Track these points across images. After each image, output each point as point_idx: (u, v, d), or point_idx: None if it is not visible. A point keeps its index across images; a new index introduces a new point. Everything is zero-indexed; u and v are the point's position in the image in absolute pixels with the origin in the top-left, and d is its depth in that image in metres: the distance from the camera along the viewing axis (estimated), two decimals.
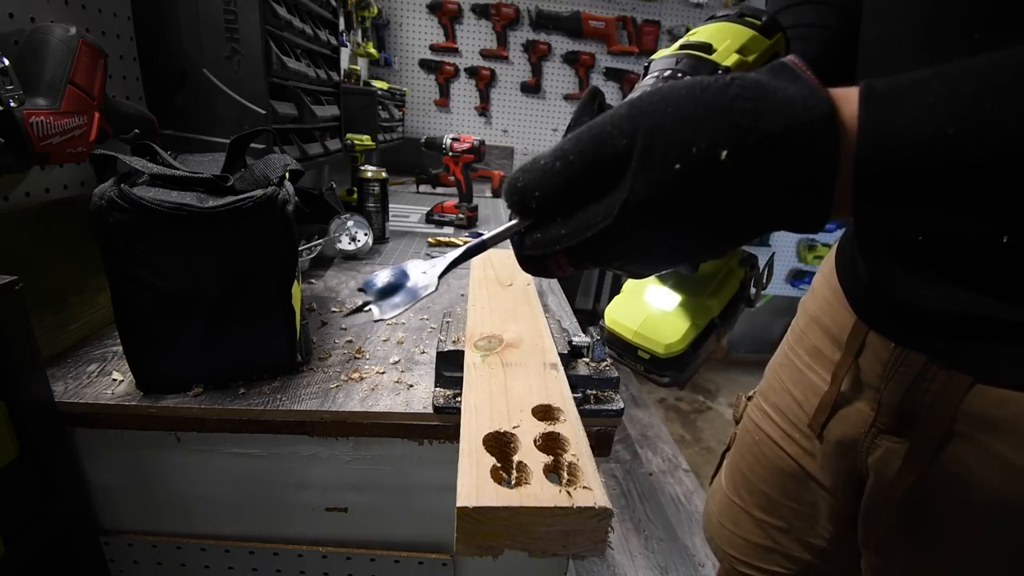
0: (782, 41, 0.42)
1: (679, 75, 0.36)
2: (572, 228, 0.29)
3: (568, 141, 0.28)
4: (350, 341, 0.69)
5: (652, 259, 0.30)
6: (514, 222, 0.31)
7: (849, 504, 0.54)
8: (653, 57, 0.39)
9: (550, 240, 0.30)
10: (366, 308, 0.38)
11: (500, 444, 0.36)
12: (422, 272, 0.38)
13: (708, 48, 0.38)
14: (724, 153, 0.25)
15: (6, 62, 0.48)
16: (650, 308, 0.47)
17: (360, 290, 0.38)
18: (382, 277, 0.39)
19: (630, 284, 0.53)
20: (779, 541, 0.61)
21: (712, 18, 0.42)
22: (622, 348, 0.48)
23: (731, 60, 0.37)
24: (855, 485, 0.52)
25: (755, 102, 0.25)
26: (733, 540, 0.65)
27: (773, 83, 0.26)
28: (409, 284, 0.39)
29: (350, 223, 1.06)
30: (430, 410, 0.55)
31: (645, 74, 0.39)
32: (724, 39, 0.38)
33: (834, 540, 0.58)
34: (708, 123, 0.25)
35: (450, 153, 1.52)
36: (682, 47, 0.39)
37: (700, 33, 0.40)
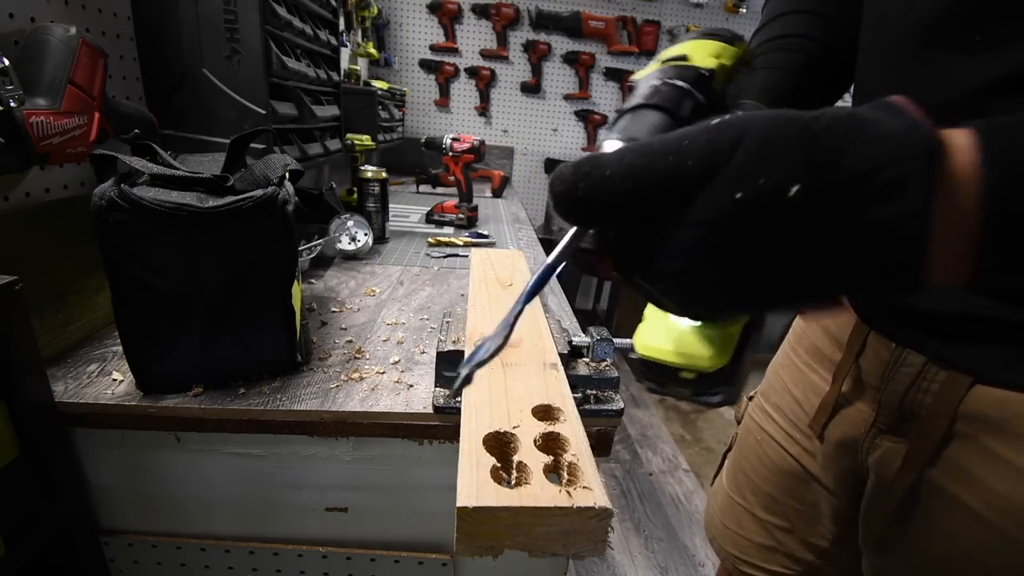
0: (745, 49, 0.41)
1: (670, 81, 0.36)
2: (627, 239, 0.27)
3: (642, 158, 0.25)
4: (350, 341, 0.69)
5: (700, 296, 0.26)
6: (573, 231, 0.29)
7: (851, 504, 0.54)
8: (634, 77, 0.39)
9: (601, 244, 0.29)
10: (462, 377, 0.33)
11: (500, 444, 0.36)
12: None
13: (684, 59, 0.38)
14: (795, 188, 0.22)
15: (6, 62, 0.48)
16: (679, 326, 0.45)
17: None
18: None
19: (651, 308, 0.51)
20: (782, 541, 0.61)
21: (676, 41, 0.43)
22: (661, 375, 0.45)
23: (710, 63, 0.37)
24: (857, 485, 0.52)
25: (845, 136, 0.22)
26: (736, 540, 0.65)
27: (871, 115, 0.23)
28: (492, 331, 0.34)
29: (350, 223, 1.06)
30: (430, 410, 0.55)
31: (631, 93, 0.39)
32: (696, 50, 0.38)
33: (836, 541, 0.58)
34: (786, 154, 0.22)
35: (450, 153, 1.52)
36: (661, 61, 0.39)
37: (671, 50, 0.40)
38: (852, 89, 0.50)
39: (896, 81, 0.40)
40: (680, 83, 0.35)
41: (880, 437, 0.48)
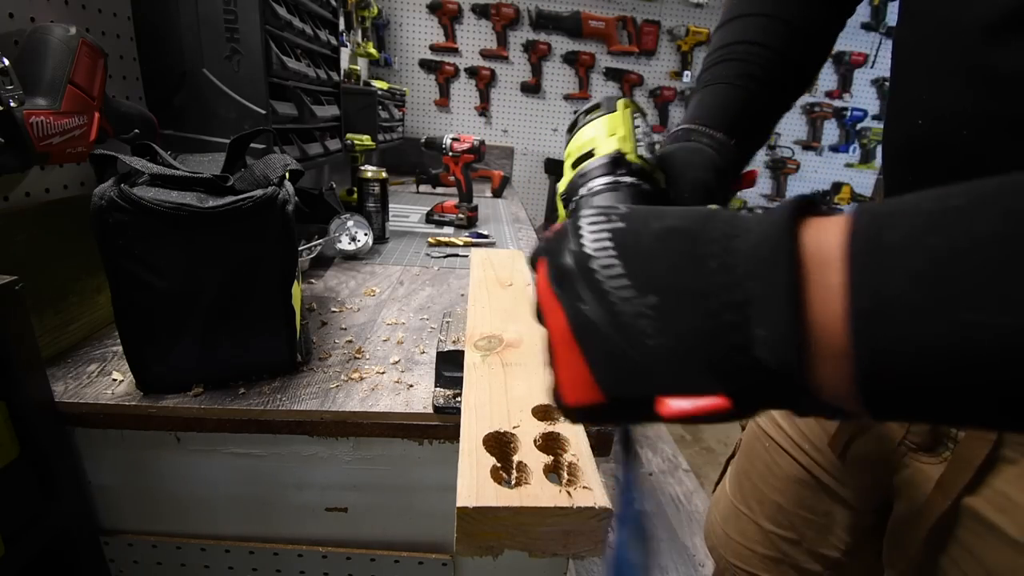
0: (627, 101, 0.42)
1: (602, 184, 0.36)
2: None
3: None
4: (350, 341, 0.69)
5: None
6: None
7: (869, 516, 0.52)
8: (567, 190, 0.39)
9: None
10: None
11: (500, 444, 0.36)
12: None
13: (591, 152, 0.38)
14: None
15: (6, 62, 0.48)
16: None
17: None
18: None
19: None
20: (787, 553, 0.59)
21: (570, 131, 0.43)
22: None
23: (611, 145, 0.38)
24: (878, 499, 0.50)
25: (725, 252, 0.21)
26: (738, 550, 0.63)
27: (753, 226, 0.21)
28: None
29: (350, 223, 1.06)
30: (430, 410, 0.55)
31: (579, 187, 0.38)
32: (596, 139, 0.39)
33: (849, 551, 0.55)
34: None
35: (450, 153, 1.52)
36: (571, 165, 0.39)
37: (576, 147, 0.40)
38: (888, 87, 0.46)
39: (952, 79, 0.37)
40: (604, 182, 0.36)
41: (909, 456, 0.45)
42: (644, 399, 0.22)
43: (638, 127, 0.39)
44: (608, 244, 0.23)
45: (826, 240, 0.19)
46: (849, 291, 0.18)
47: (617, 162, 0.36)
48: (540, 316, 0.27)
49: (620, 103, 0.40)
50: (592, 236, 0.24)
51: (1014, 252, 0.16)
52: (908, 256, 0.17)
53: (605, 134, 0.38)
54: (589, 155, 0.38)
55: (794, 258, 0.19)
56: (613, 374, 0.23)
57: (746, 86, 0.48)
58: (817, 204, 0.21)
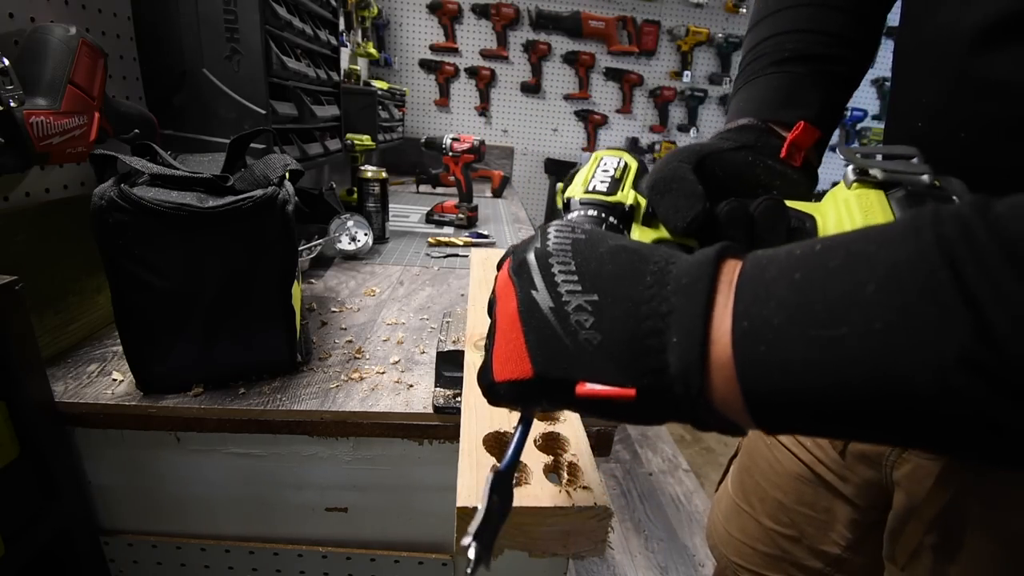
0: (593, 156, 0.45)
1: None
2: None
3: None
4: (350, 341, 0.69)
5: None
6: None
7: (870, 512, 0.52)
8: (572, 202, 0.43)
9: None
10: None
11: (500, 444, 0.36)
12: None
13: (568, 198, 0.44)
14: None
15: (6, 62, 0.48)
16: None
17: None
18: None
19: None
20: (787, 550, 0.59)
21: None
22: None
23: (567, 196, 0.43)
24: (879, 495, 0.51)
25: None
26: (740, 548, 0.63)
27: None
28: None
29: (350, 223, 1.06)
30: (430, 410, 0.55)
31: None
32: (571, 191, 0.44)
33: (850, 547, 0.55)
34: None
35: (450, 153, 1.52)
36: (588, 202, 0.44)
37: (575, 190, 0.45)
38: (889, 87, 0.46)
39: (949, 82, 0.37)
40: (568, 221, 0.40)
41: (909, 451, 0.45)
42: (566, 380, 0.25)
43: (604, 165, 0.44)
44: (568, 247, 0.27)
45: (733, 273, 0.23)
46: (734, 315, 0.22)
47: (566, 206, 0.43)
48: (492, 306, 0.31)
49: (592, 156, 0.46)
50: (556, 240, 0.28)
51: (849, 280, 0.19)
52: (776, 287, 0.21)
53: (570, 187, 0.46)
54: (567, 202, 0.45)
55: (712, 282, 0.23)
56: (546, 353, 0.26)
57: (781, 70, 0.47)
58: (740, 250, 0.25)
